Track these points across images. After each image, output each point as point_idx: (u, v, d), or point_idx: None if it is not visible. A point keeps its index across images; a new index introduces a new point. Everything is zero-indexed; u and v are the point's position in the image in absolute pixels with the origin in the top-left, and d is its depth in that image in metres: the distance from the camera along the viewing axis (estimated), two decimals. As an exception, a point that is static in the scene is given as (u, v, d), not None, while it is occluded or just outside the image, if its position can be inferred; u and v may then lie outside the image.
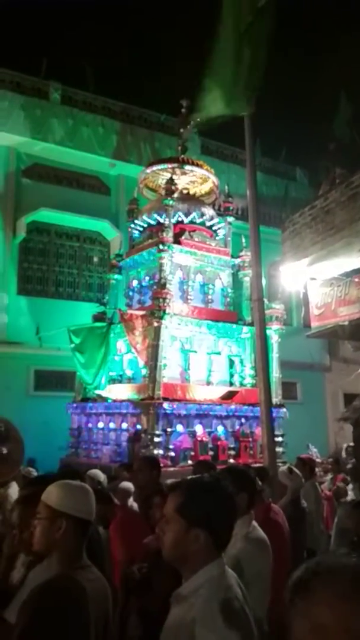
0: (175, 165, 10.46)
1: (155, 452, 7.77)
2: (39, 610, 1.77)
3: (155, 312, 8.49)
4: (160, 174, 10.71)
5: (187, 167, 10.51)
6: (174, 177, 10.07)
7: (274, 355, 9.63)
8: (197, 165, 10.64)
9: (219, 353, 9.59)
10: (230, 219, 10.86)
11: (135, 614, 2.89)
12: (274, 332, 9.71)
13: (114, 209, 14.82)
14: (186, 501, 1.75)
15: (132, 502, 4.20)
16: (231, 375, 9.89)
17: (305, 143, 15.26)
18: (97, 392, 9.55)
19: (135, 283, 10.35)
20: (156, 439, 7.94)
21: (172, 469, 7.56)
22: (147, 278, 9.95)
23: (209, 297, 9.94)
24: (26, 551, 2.37)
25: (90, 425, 9.74)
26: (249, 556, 2.65)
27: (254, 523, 2.85)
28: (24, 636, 1.77)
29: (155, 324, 8.47)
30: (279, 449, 8.82)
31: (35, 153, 14.00)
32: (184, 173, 10.63)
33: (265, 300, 7.09)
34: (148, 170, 10.84)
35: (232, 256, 10.49)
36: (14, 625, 1.88)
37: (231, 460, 8.36)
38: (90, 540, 2.12)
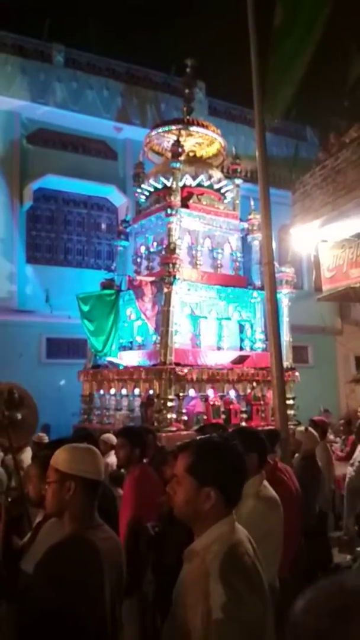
0: (180, 126, 10.22)
1: (169, 416, 7.89)
2: (53, 570, 1.82)
3: (165, 277, 8.45)
4: (166, 136, 10.49)
5: (193, 129, 10.27)
6: (180, 139, 9.86)
7: (284, 319, 9.60)
8: (203, 126, 10.40)
9: (229, 318, 9.57)
10: (239, 181, 10.66)
11: (149, 570, 2.97)
12: (284, 296, 9.65)
13: (122, 174, 14.63)
14: (196, 460, 1.77)
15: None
16: (242, 340, 9.89)
17: (315, 101, 14.79)
18: (108, 358, 9.61)
19: (143, 249, 10.27)
20: (169, 404, 8.02)
21: (184, 432, 7.65)
22: (155, 244, 9.87)
23: (218, 262, 9.86)
24: (35, 507, 2.45)
25: (102, 391, 9.84)
26: (260, 514, 2.69)
27: (265, 482, 2.89)
28: (41, 596, 1.83)
29: (165, 290, 8.44)
30: (290, 412, 8.90)
31: (39, 118, 13.77)
32: (190, 135, 10.40)
33: (276, 264, 7.01)
34: (153, 133, 10.62)
35: (241, 219, 10.35)
36: (31, 582, 1.93)
37: (243, 424, 8.44)
38: (103, 499, 2.16)
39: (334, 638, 0.77)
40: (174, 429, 7.87)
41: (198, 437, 2.00)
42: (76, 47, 14.53)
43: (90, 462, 2.08)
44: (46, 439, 6.55)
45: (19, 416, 3.81)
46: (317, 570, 4.58)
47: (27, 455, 5.74)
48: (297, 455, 5.36)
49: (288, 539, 3.01)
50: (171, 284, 8.42)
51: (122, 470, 4.11)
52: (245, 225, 10.33)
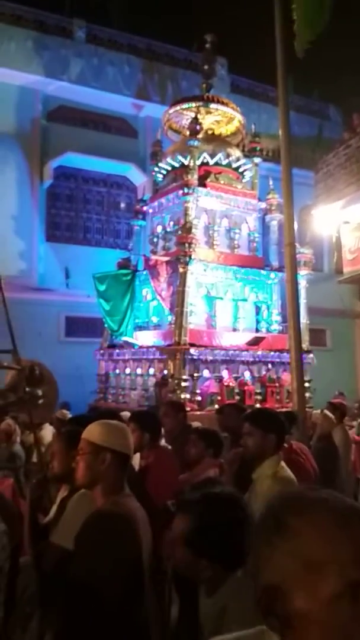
0: (199, 104, 10.06)
1: (182, 396, 7.91)
2: (98, 536, 1.90)
3: (181, 257, 8.40)
4: (185, 114, 10.34)
5: (212, 106, 10.10)
6: (199, 116, 9.72)
7: (302, 302, 9.50)
8: (223, 103, 10.22)
9: (245, 299, 9.52)
10: (258, 160, 10.49)
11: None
12: (302, 278, 9.56)
13: (141, 153, 14.51)
14: (193, 532, 1.68)
15: (164, 443, 4.30)
16: (257, 322, 9.85)
17: (339, 79, 14.45)
18: (124, 338, 9.65)
19: (159, 229, 10.22)
20: (183, 384, 8.05)
21: (198, 412, 7.69)
22: (171, 223, 9.81)
23: (235, 242, 9.77)
24: (59, 482, 2.50)
25: (117, 371, 9.91)
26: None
27: (282, 463, 2.90)
28: (85, 561, 1.89)
29: (181, 270, 8.40)
30: (306, 395, 8.88)
31: (59, 95, 13.70)
32: (209, 112, 10.23)
33: (297, 246, 6.94)
34: (171, 110, 10.48)
35: (260, 199, 10.22)
36: (73, 553, 1.99)
37: (257, 405, 8.45)
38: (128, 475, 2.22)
39: None
40: (188, 409, 7.90)
41: (199, 499, 1.76)
42: (97, 23, 14.35)
43: (123, 437, 2.17)
44: (69, 416, 6.63)
45: (40, 393, 3.85)
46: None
47: (46, 432, 5.82)
48: (313, 437, 5.37)
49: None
50: (187, 264, 8.38)
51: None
52: (264, 205, 10.20)
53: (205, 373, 8.50)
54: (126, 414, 5.81)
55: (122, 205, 14.95)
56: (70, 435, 2.46)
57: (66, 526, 2.19)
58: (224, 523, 1.67)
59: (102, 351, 10.33)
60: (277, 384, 9.12)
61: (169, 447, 3.98)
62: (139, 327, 9.93)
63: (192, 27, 13.97)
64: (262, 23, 7.17)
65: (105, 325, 10.22)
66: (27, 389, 3.68)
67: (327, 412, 5.54)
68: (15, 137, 13.20)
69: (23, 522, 2.73)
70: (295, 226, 6.26)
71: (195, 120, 9.46)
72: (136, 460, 3.96)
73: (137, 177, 14.62)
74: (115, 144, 14.19)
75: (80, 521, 1.99)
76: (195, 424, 4.84)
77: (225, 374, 8.64)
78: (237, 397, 8.47)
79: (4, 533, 2.50)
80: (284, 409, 6.78)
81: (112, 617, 1.81)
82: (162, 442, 4.45)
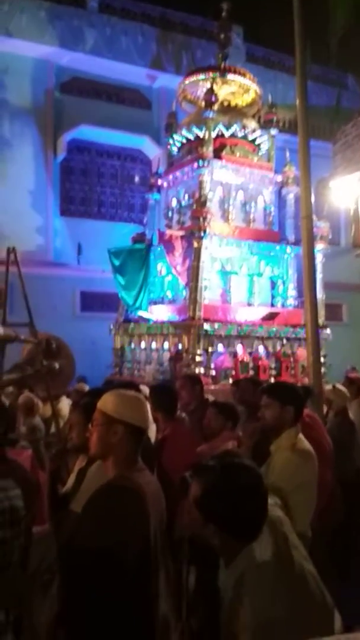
0: (215, 74, 9.84)
1: (197, 371, 7.92)
2: (103, 508, 1.90)
3: (195, 232, 8.32)
4: (200, 84, 10.12)
5: (229, 76, 9.86)
6: (214, 87, 9.50)
7: (318, 276, 9.37)
8: (239, 73, 9.98)
9: (260, 274, 9.43)
10: (274, 131, 10.26)
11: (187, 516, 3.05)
12: (318, 252, 9.42)
13: (156, 124, 14.32)
14: (203, 497, 1.69)
15: (184, 415, 4.33)
16: (273, 297, 9.78)
17: (356, 47, 14.02)
18: (139, 313, 9.66)
19: (174, 202, 10.10)
20: (197, 359, 8.06)
21: (212, 387, 7.72)
22: (186, 197, 9.67)
23: (251, 215, 9.62)
24: (77, 452, 2.52)
25: (133, 345, 9.94)
26: (294, 466, 2.73)
27: (301, 435, 2.91)
28: (88, 535, 1.90)
29: (195, 245, 8.33)
30: (322, 370, 8.84)
31: (73, 66, 13.52)
32: (225, 83, 9.99)
33: (315, 218, 6.81)
34: (187, 81, 10.26)
35: (276, 172, 10.03)
36: (78, 523, 2.01)
37: (272, 380, 8.45)
38: (143, 448, 2.21)
39: None
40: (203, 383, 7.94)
41: (213, 465, 1.76)
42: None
43: (137, 409, 2.12)
44: (87, 388, 6.69)
45: (57, 366, 3.88)
46: (353, 520, 4.64)
47: (63, 405, 5.87)
48: (330, 413, 5.37)
49: (321, 491, 3.04)
50: (201, 238, 8.29)
51: None
52: (280, 178, 10.02)
53: (220, 348, 8.49)
54: (145, 388, 5.86)
55: (137, 178, 14.81)
56: (88, 406, 2.46)
57: (85, 495, 2.20)
58: (233, 489, 1.66)
59: (117, 325, 10.36)
60: (291, 359, 9.09)
61: (186, 419, 3.99)
62: (154, 302, 9.92)
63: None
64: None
65: (121, 300, 10.23)
66: (44, 362, 3.71)
67: (339, 386, 5.51)
68: (29, 110, 13.09)
69: (41, 493, 2.77)
70: (313, 199, 6.15)
71: (210, 91, 9.25)
72: (152, 432, 4.01)
73: (151, 149, 14.44)
74: (129, 116, 14.02)
75: None
76: (209, 398, 4.86)
77: (239, 349, 8.63)
78: (251, 372, 8.47)
79: (18, 497, 2.52)
80: (299, 384, 6.77)
81: (115, 590, 1.82)
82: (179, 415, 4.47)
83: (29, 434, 4.78)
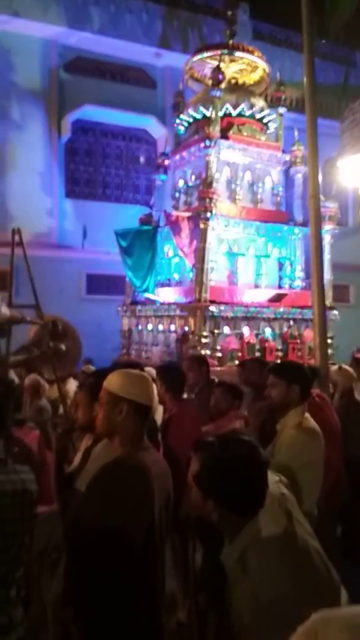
0: (224, 52, 9.66)
1: (203, 352, 7.92)
2: (108, 486, 1.91)
3: (201, 213, 8.24)
4: (207, 62, 9.96)
5: (237, 54, 9.69)
6: (222, 65, 9.34)
7: (326, 257, 9.30)
8: (248, 51, 9.79)
9: (268, 256, 9.37)
10: (282, 110, 10.10)
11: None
12: (327, 233, 9.33)
13: (161, 104, 14.14)
14: (201, 472, 1.69)
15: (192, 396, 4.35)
16: (280, 278, 9.72)
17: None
18: (146, 295, 9.65)
19: (181, 183, 10.01)
20: (203, 340, 8.06)
21: (218, 368, 7.72)
22: (193, 177, 9.58)
23: (258, 196, 9.52)
24: (83, 432, 2.53)
25: (140, 327, 9.95)
26: (300, 444, 2.73)
27: (307, 414, 2.91)
28: (92, 512, 1.91)
29: (202, 226, 8.26)
30: (329, 351, 8.82)
31: (76, 45, 13.33)
32: (232, 60, 9.82)
33: (321, 198, 6.73)
34: (194, 59, 10.08)
35: (284, 151, 9.90)
36: (83, 501, 2.02)
37: (278, 361, 8.43)
38: (148, 428, 2.21)
39: None
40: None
41: (213, 440, 1.77)
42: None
43: (142, 387, 2.13)
44: (93, 370, 6.71)
45: (63, 347, 3.89)
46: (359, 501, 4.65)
47: (70, 386, 5.90)
48: (336, 394, 5.36)
49: (328, 470, 3.05)
50: (207, 220, 8.22)
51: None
52: (288, 157, 9.88)
53: (226, 330, 8.48)
54: (151, 370, 5.87)
55: (142, 159, 14.67)
56: (94, 386, 2.46)
57: (90, 473, 2.21)
58: (231, 464, 1.65)
59: (124, 307, 10.37)
60: (298, 341, 9.07)
61: (193, 398, 4.01)
62: (161, 284, 9.90)
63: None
64: None
65: (128, 281, 10.22)
66: (50, 343, 3.72)
67: (345, 367, 5.50)
68: (33, 91, 12.96)
69: (49, 472, 2.79)
70: (320, 178, 6.07)
71: (217, 70, 9.09)
72: (159, 413, 4.02)
73: (156, 129, 14.28)
74: (134, 96, 13.84)
75: None
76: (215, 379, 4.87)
77: (246, 330, 8.62)
78: (257, 354, 8.46)
79: (32, 481, 2.54)
80: (310, 365, 6.76)
81: (120, 567, 1.83)
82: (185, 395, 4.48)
83: (35, 415, 4.82)
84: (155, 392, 2.27)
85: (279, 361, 8.37)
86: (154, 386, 2.25)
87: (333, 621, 0.81)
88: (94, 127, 14.10)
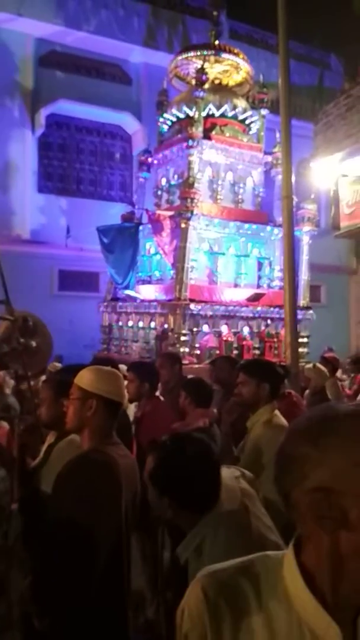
0: (210, 52, 9.66)
1: (182, 350, 7.96)
2: (75, 479, 1.90)
3: (183, 212, 8.28)
4: (192, 61, 9.94)
5: (224, 55, 9.71)
6: (205, 66, 9.35)
7: (304, 258, 9.45)
8: (233, 53, 9.81)
9: (247, 256, 9.43)
10: (265, 111, 10.13)
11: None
12: (304, 234, 9.44)
13: (136, 100, 14.07)
14: (156, 469, 1.73)
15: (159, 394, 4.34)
16: (259, 278, 9.79)
17: (341, 26, 13.86)
18: (127, 292, 9.64)
19: (164, 181, 10.00)
20: (182, 338, 8.10)
21: (196, 365, 7.76)
22: (175, 176, 9.60)
23: (240, 196, 9.58)
24: (46, 427, 2.52)
25: (120, 323, 9.96)
26: (269, 441, 2.75)
27: (277, 412, 2.94)
28: (60, 506, 1.90)
29: (183, 226, 8.29)
30: (303, 350, 8.93)
31: (52, 39, 13.16)
32: (217, 61, 9.83)
33: (295, 199, 6.79)
34: (180, 58, 10.04)
35: (266, 153, 9.96)
36: (51, 495, 2.01)
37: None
38: (118, 423, 2.22)
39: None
40: (187, 362, 7.97)
41: (166, 439, 1.82)
42: None
43: (113, 383, 2.15)
44: (59, 367, 6.65)
45: (34, 344, 3.85)
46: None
47: (44, 383, 5.83)
48: (307, 391, 5.42)
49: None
50: (188, 219, 8.26)
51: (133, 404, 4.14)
52: (269, 158, 9.93)
53: (205, 328, 8.54)
54: (123, 367, 5.85)
55: (117, 155, 14.59)
56: (59, 382, 2.46)
57: (50, 472, 2.20)
58: (182, 461, 1.68)
59: (105, 303, 10.33)
60: (275, 339, 9.15)
61: (162, 398, 4.00)
62: (142, 281, 9.90)
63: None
64: None
65: (110, 277, 10.18)
66: (20, 339, 3.67)
67: (319, 365, 5.57)
68: (6, 84, 12.75)
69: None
70: (293, 179, 6.13)
71: (202, 70, 9.12)
72: (131, 410, 4.02)
73: (131, 125, 14.21)
74: (109, 91, 13.74)
75: None
76: (189, 376, 4.87)
77: (224, 329, 8.68)
78: (235, 352, 8.52)
79: (2, 479, 2.53)
80: (281, 363, 6.83)
81: (86, 562, 1.83)
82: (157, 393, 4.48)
83: (2, 411, 4.76)
84: (124, 387, 2.27)
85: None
86: (125, 382, 2.25)
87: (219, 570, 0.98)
88: (69, 122, 13.96)
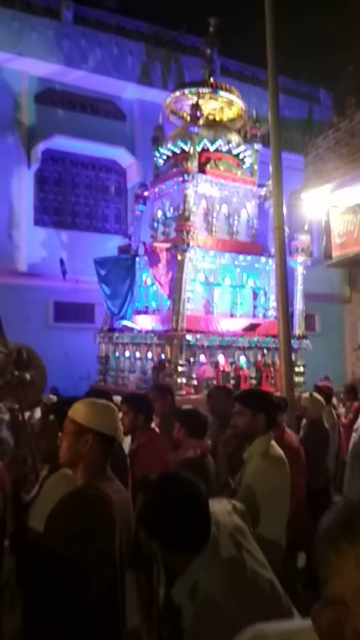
0: (207, 90, 9.92)
1: (179, 380, 7.97)
2: (68, 516, 1.86)
3: (179, 244, 8.38)
4: (187, 97, 10.22)
5: (220, 93, 9.96)
6: (200, 102, 9.59)
7: (299, 288, 9.54)
8: (228, 90, 10.08)
9: (243, 286, 9.51)
10: (258, 146, 10.37)
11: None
12: (298, 264, 9.54)
13: (130, 134, 14.37)
14: (142, 509, 1.71)
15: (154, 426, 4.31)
16: (255, 308, 9.85)
17: (328, 61, 14.31)
18: (124, 322, 9.66)
19: (159, 214, 10.15)
20: (180, 369, 8.09)
21: (194, 396, 7.73)
22: (171, 209, 9.74)
23: (234, 228, 9.73)
24: (43, 460, 2.48)
25: (117, 354, 9.94)
26: (265, 472, 2.73)
27: (273, 442, 2.91)
28: (52, 543, 1.87)
29: (179, 257, 8.39)
30: (299, 379, 8.93)
31: (47, 76, 13.51)
32: (212, 98, 10.11)
33: (286, 229, 6.89)
34: (176, 94, 10.27)
35: (259, 185, 10.14)
36: (43, 531, 1.97)
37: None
38: (113, 457, 2.19)
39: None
40: (184, 393, 7.95)
41: (153, 479, 1.78)
42: (85, 3, 14.12)
43: (108, 418, 2.11)
44: (55, 400, 6.62)
45: (28, 376, 3.83)
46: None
47: (38, 415, 5.80)
48: (304, 421, 5.39)
49: (294, 502, 3.05)
50: (184, 251, 8.36)
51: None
52: (263, 191, 10.12)
53: (202, 358, 8.55)
54: (117, 398, 5.82)
55: (111, 188, 14.81)
56: (56, 416, 2.43)
57: (40, 507, 2.15)
58: (168, 503, 1.64)
59: (102, 334, 10.34)
60: (271, 369, 9.15)
61: (157, 430, 3.98)
62: (138, 312, 9.93)
63: (181, 8, 13.76)
64: (251, 4, 7.10)
65: (106, 309, 10.21)
66: (15, 372, 3.66)
67: (316, 395, 5.55)
68: (3, 120, 13.02)
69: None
70: (285, 210, 6.23)
71: (196, 107, 9.35)
72: (126, 443, 3.98)
73: (126, 160, 14.48)
74: (104, 127, 14.05)
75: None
76: (186, 406, 4.85)
77: (221, 359, 8.68)
78: (232, 382, 8.50)
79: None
80: (278, 393, 6.81)
81: (79, 599, 1.79)
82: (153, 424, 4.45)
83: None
84: (120, 421, 2.26)
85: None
86: (120, 416, 2.23)
87: (269, 634, 0.84)
88: (64, 157, 14.21)
